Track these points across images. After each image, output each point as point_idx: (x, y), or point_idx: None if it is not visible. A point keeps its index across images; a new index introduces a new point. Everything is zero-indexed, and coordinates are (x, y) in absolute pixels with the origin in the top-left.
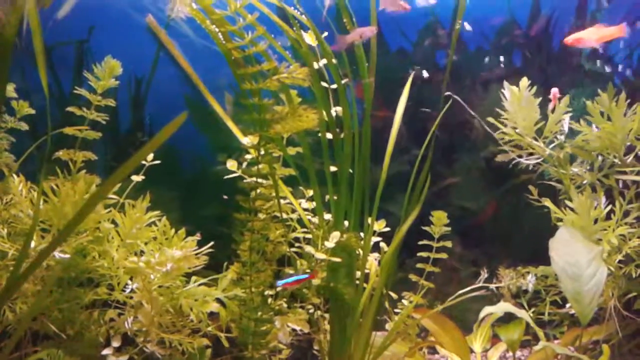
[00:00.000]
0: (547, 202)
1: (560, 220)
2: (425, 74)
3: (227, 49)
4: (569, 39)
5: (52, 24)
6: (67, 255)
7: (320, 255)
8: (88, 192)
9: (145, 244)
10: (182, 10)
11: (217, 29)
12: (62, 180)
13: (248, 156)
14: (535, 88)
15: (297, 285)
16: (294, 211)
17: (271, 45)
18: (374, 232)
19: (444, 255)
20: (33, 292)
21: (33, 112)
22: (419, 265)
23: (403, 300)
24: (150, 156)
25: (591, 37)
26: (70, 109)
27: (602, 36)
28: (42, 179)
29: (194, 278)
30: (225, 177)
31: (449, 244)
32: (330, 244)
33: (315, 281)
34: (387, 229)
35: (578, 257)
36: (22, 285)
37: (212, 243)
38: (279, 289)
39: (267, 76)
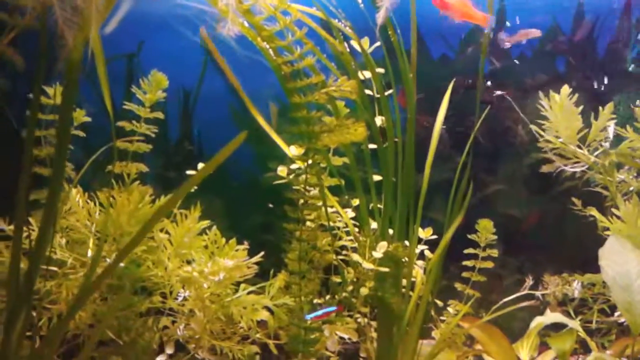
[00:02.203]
0: (593, 211)
1: (607, 228)
2: (468, 81)
3: (276, 64)
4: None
5: (102, 39)
6: (122, 264)
7: (368, 265)
8: (142, 203)
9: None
10: (234, 29)
11: (267, 45)
12: (117, 191)
13: (294, 166)
14: (577, 95)
15: (326, 317)
16: (339, 220)
17: (317, 55)
18: (419, 240)
19: (489, 264)
20: (91, 300)
21: (89, 119)
22: (464, 274)
23: (448, 308)
24: (201, 166)
25: (457, 9)
26: (121, 123)
27: (465, 14)
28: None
29: (242, 286)
30: (275, 182)
31: (495, 252)
32: (377, 253)
33: (364, 290)
34: (434, 236)
35: (628, 267)
36: (92, 294)
37: (262, 253)
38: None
39: (314, 88)
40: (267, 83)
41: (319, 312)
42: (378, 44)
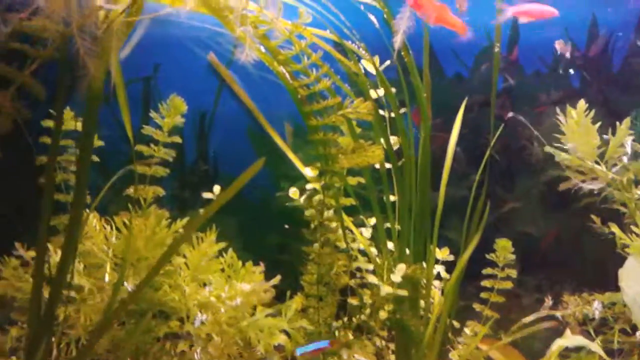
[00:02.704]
0: (614, 227)
1: (627, 246)
2: (482, 99)
3: (293, 87)
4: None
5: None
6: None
7: (387, 289)
8: (159, 227)
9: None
10: (252, 55)
11: (283, 69)
12: (134, 215)
13: (309, 186)
14: (593, 111)
15: (317, 354)
16: (354, 240)
17: (332, 78)
18: (437, 260)
19: (508, 285)
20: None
21: (102, 144)
22: (483, 295)
23: (466, 330)
24: (217, 189)
25: (431, 12)
26: (138, 147)
27: (442, 19)
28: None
29: (259, 308)
30: (288, 204)
31: (513, 272)
32: (396, 277)
33: (382, 314)
34: (451, 257)
35: None
36: (113, 322)
37: (278, 277)
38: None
39: (330, 110)
40: (282, 103)
41: (310, 347)
42: (388, 62)
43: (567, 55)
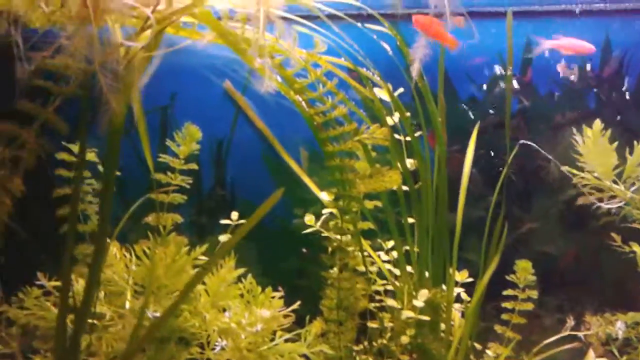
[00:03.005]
0: (635, 246)
1: None
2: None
3: (309, 115)
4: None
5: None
6: (158, 314)
7: (408, 314)
8: (179, 255)
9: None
10: (271, 85)
11: (299, 98)
12: (154, 243)
13: (325, 210)
14: (609, 131)
15: None
16: (372, 264)
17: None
18: (456, 282)
19: (529, 306)
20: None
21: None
22: (504, 316)
23: (488, 352)
24: (236, 215)
25: (430, 28)
26: (156, 176)
27: (437, 34)
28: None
29: (279, 333)
30: (306, 231)
31: (534, 293)
32: (419, 302)
33: (404, 339)
34: (470, 279)
35: None
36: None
37: (298, 302)
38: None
39: (347, 136)
40: (296, 128)
41: None
42: (401, 90)
43: (572, 78)
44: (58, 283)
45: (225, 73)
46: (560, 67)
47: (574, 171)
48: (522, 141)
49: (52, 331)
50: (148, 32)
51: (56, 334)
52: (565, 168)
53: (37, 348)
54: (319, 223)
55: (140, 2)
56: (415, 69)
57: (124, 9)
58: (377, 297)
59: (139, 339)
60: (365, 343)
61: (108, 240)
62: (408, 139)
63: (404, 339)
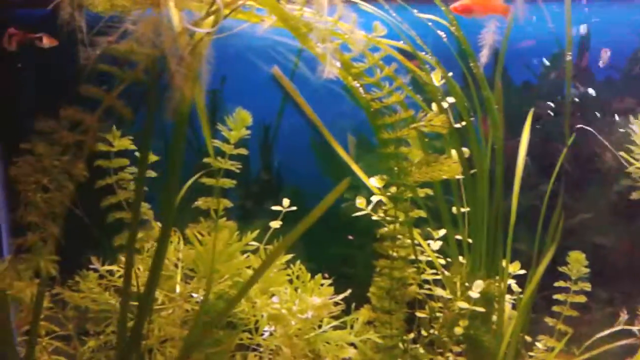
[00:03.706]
0: None
1: None
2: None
3: (366, 101)
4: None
5: None
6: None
7: (462, 304)
8: (231, 239)
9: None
10: (332, 72)
11: (357, 84)
12: (204, 227)
13: (374, 198)
14: None
15: None
16: (422, 252)
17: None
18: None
19: (582, 299)
20: (181, 337)
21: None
22: (555, 308)
23: (538, 344)
24: (287, 202)
25: (478, 6)
26: (207, 160)
27: (488, 8)
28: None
29: (325, 320)
30: (353, 215)
31: (587, 286)
32: (474, 293)
33: (458, 329)
34: (522, 271)
35: None
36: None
37: (349, 291)
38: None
39: (403, 124)
40: (343, 113)
41: None
42: (451, 74)
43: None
44: (112, 267)
45: (271, 55)
46: (605, 53)
47: (631, 159)
48: (578, 126)
49: (103, 314)
50: (211, 18)
51: (119, 320)
52: (621, 155)
53: (89, 330)
54: (369, 207)
55: None
56: (484, 55)
57: None
58: (426, 286)
59: (208, 323)
60: (416, 333)
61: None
62: (460, 125)
63: (457, 330)
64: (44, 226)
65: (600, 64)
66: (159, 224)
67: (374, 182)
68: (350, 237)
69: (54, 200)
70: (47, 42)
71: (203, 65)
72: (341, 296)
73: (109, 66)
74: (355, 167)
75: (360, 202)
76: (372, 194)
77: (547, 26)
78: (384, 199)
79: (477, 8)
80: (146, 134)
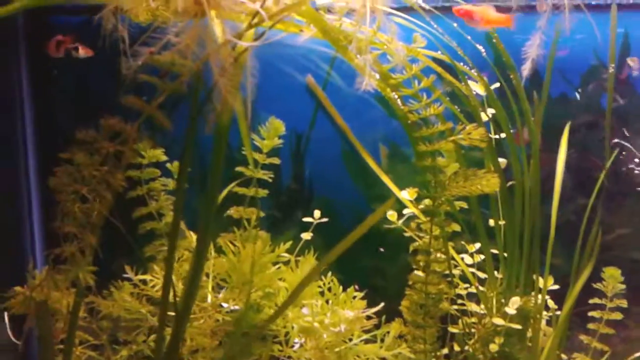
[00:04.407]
0: None
1: None
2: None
3: (403, 113)
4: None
5: None
6: (237, 307)
7: (498, 321)
8: (264, 250)
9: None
10: (371, 84)
11: (395, 95)
12: (237, 237)
13: (406, 211)
14: None
15: None
16: (456, 266)
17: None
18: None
19: (618, 316)
20: (212, 347)
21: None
22: (590, 326)
23: None
24: (318, 213)
25: (479, 16)
26: (239, 169)
27: (488, 20)
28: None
29: (356, 333)
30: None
31: (624, 303)
32: (511, 310)
33: (493, 347)
34: (556, 286)
35: None
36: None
37: (382, 304)
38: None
39: (441, 136)
40: (376, 122)
41: None
42: (496, 85)
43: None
44: (145, 277)
45: (303, 63)
46: (632, 62)
47: None
48: (615, 140)
49: (136, 322)
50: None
51: (157, 331)
52: None
53: (120, 339)
54: (401, 221)
55: None
56: (527, 69)
57: (235, 5)
58: (459, 301)
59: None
60: (449, 348)
61: (189, 232)
62: (499, 136)
63: (493, 347)
64: (82, 236)
65: (635, 72)
66: (192, 233)
67: (405, 195)
68: (381, 249)
69: (92, 210)
70: (82, 52)
71: (247, 78)
72: (374, 309)
73: (149, 76)
74: (386, 180)
75: (391, 214)
76: (403, 205)
77: (583, 37)
78: (416, 212)
79: (478, 18)
80: (187, 147)
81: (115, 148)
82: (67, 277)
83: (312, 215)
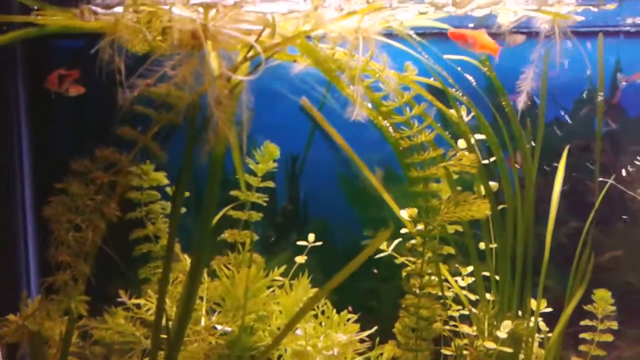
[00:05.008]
0: None
1: None
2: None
3: (394, 140)
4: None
5: None
6: (230, 329)
7: (490, 345)
8: (258, 275)
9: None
10: (361, 114)
11: (386, 123)
12: (230, 260)
13: (403, 230)
14: None
15: None
16: (449, 289)
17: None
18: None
19: (608, 338)
20: None
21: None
22: (582, 348)
23: None
24: (312, 237)
25: (473, 40)
26: (233, 193)
27: (481, 45)
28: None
29: (349, 355)
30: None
31: (614, 325)
32: (502, 334)
33: None
34: (549, 309)
35: None
36: None
37: (375, 328)
38: None
39: (432, 162)
40: (371, 145)
41: None
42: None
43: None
44: (139, 301)
45: (298, 85)
46: (621, 79)
47: None
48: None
49: (130, 346)
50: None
51: (151, 354)
52: None
53: None
54: (391, 247)
55: (244, 32)
56: (522, 101)
57: (231, 39)
58: (452, 323)
59: None
60: None
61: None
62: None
63: None
64: (75, 265)
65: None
66: (187, 256)
67: (404, 215)
68: (375, 271)
69: (85, 239)
70: (73, 91)
71: (242, 109)
72: (367, 333)
73: (145, 108)
74: (387, 198)
75: (382, 246)
76: (397, 227)
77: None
78: (414, 233)
79: (470, 41)
80: (183, 175)
81: (109, 178)
82: (60, 307)
83: (307, 237)
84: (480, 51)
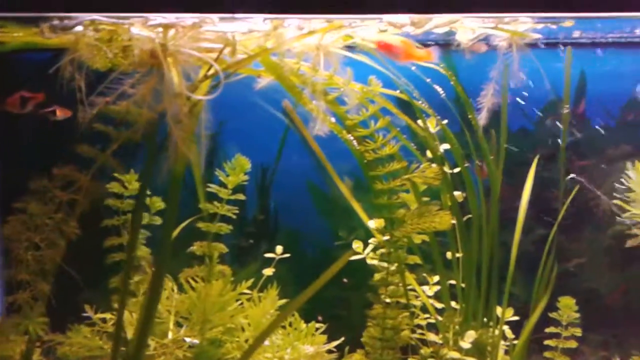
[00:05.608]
0: None
1: None
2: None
3: (359, 152)
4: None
5: None
6: (197, 341)
7: (454, 355)
8: (224, 289)
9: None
10: (323, 129)
11: (351, 137)
12: (199, 272)
13: (372, 240)
14: None
15: None
16: (416, 297)
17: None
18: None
19: (573, 344)
20: None
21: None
22: (546, 354)
23: None
24: (280, 249)
25: (401, 50)
26: (202, 205)
27: (409, 55)
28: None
29: None
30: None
31: (578, 331)
32: (465, 344)
33: None
34: (516, 318)
35: None
36: None
37: (342, 339)
38: None
39: (397, 174)
40: (340, 155)
41: None
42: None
43: None
44: (104, 315)
45: (270, 95)
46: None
47: (626, 206)
48: (571, 176)
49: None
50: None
51: None
52: (616, 202)
53: None
54: (366, 251)
55: (205, 50)
56: (483, 117)
57: (191, 59)
58: (419, 331)
59: None
60: None
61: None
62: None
63: None
64: (35, 284)
65: None
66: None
67: (372, 224)
68: (345, 280)
69: (45, 258)
70: (60, 114)
71: (201, 128)
72: (335, 343)
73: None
74: (358, 208)
75: (357, 246)
76: (368, 235)
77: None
78: (382, 242)
79: (399, 53)
80: (142, 189)
81: (68, 197)
82: (18, 329)
83: (276, 246)
84: (408, 61)
